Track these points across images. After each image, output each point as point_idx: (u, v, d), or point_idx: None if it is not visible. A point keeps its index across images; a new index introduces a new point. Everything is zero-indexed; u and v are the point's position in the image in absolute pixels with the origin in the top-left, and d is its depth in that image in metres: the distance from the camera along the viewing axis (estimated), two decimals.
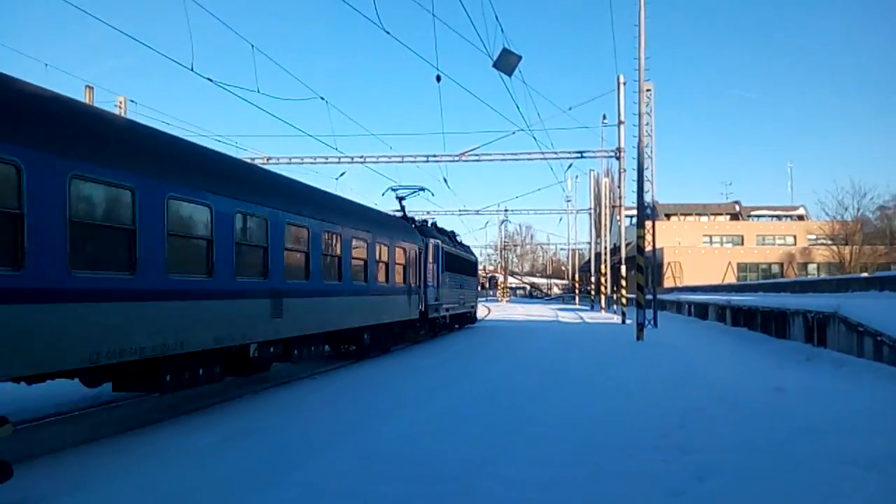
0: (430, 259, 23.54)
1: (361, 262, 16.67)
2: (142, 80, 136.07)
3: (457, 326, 31.94)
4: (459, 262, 29.58)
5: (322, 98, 25.76)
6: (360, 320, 16.78)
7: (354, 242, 16.00)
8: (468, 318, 34.14)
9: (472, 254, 37.03)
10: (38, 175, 7.02)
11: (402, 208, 26.12)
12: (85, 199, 7.80)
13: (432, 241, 24.00)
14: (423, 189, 26.47)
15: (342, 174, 42.55)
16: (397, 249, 19.81)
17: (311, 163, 38.38)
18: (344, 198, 18.46)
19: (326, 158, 37.56)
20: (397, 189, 26.20)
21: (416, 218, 26.72)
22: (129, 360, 8.40)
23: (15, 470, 6.39)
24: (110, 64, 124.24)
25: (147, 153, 9.22)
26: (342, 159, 37.38)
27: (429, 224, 26.86)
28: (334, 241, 14.90)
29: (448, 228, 31.22)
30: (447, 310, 26.82)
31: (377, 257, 17.81)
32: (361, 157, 37.91)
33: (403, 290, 20.55)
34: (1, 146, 6.65)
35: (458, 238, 32.69)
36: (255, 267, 11.49)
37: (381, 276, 18.37)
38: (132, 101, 32.97)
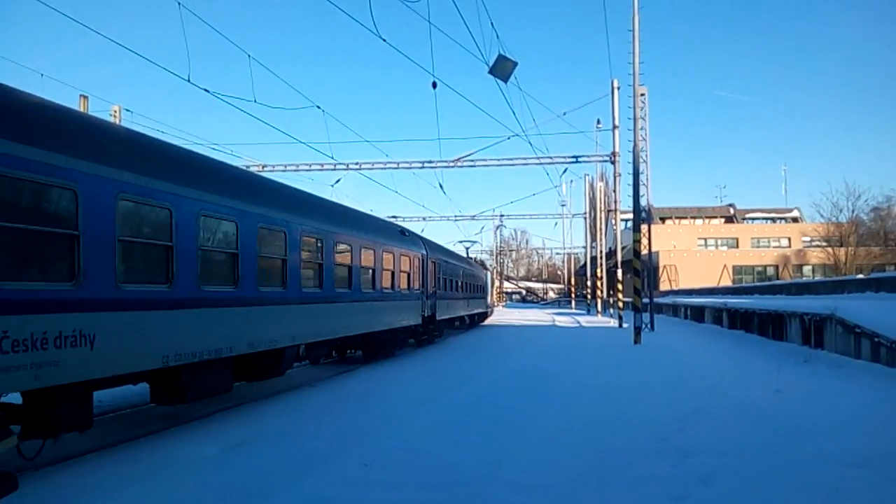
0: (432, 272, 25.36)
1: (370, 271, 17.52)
2: (137, 89, 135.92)
3: (457, 324, 36.37)
4: (462, 274, 33.10)
5: (318, 106, 25.83)
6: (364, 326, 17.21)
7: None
8: (477, 319, 41.15)
9: (485, 268, 44.64)
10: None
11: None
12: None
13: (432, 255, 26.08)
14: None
15: (338, 181, 42.52)
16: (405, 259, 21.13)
17: (307, 170, 38.39)
18: (377, 218, 22.73)
19: (322, 165, 37.59)
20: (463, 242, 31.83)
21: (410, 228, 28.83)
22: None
23: (19, 481, 6.39)
24: (105, 72, 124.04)
25: (211, 179, 10.45)
26: (337, 166, 37.39)
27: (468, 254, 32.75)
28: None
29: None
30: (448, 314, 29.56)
31: (392, 267, 19.44)
32: (357, 163, 37.93)
33: (409, 296, 21.40)
34: (61, 171, 7.07)
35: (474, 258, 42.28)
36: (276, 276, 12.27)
37: (389, 283, 19.32)
38: (127, 110, 32.93)
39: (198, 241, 9.52)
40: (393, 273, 19.34)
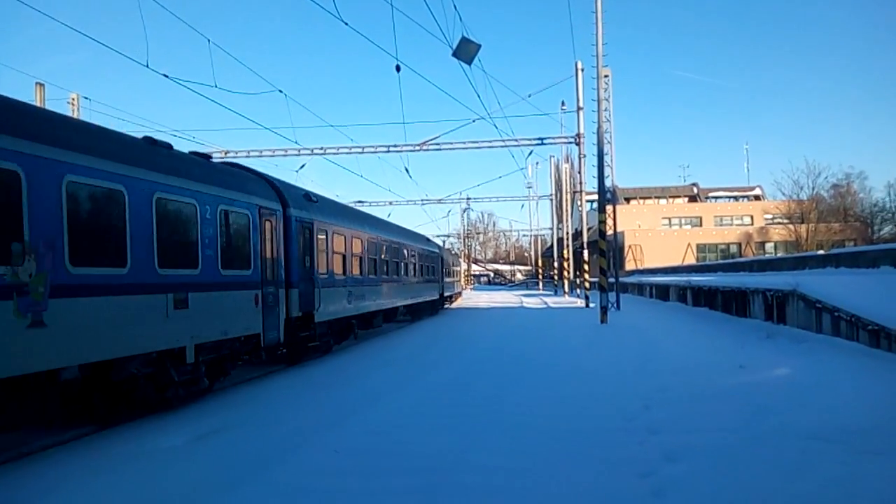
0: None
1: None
2: (95, 77, 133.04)
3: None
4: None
5: (280, 91, 25.59)
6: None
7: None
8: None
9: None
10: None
11: None
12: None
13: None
14: None
15: (302, 166, 42.35)
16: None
17: (270, 156, 38.00)
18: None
19: (286, 151, 37.27)
20: None
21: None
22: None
23: None
24: (62, 60, 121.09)
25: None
26: (302, 151, 37.11)
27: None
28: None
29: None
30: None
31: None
32: (321, 148, 37.66)
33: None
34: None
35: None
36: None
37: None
38: (85, 97, 32.34)
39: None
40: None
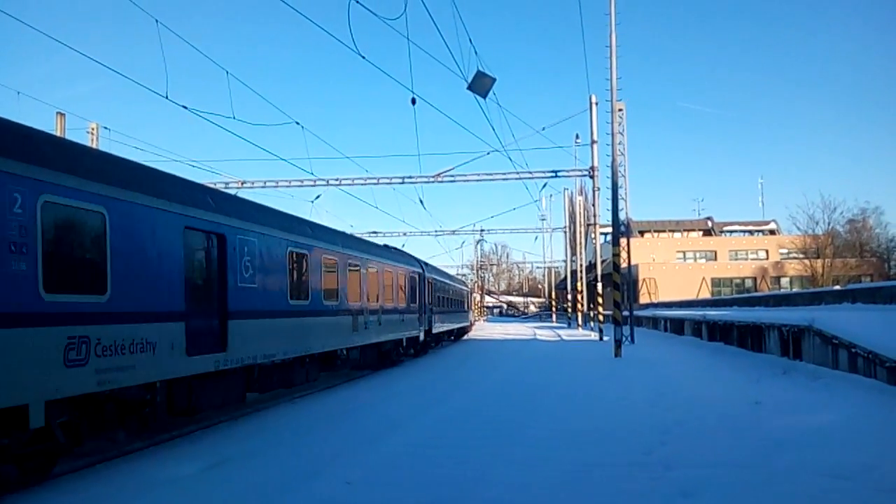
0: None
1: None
2: (114, 106, 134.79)
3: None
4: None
5: (297, 123, 25.82)
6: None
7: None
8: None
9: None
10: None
11: None
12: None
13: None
14: None
15: (317, 197, 42.52)
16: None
17: (287, 186, 38.22)
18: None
19: (301, 182, 37.45)
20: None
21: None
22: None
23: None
24: (82, 89, 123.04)
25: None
26: (317, 182, 37.31)
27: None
28: None
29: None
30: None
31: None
32: (337, 179, 37.87)
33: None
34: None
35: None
36: None
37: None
38: (105, 127, 32.71)
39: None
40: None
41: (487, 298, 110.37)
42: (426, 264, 30.88)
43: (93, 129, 32.80)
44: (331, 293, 16.12)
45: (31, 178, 7.21)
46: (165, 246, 9.64)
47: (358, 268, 18.26)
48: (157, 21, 14.59)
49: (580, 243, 53.92)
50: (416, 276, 26.34)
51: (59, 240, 7.81)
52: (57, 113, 30.58)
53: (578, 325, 52.80)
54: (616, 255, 25.21)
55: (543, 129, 42.18)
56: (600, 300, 43.98)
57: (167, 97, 16.95)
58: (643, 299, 59.01)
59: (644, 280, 62.02)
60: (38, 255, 7.22)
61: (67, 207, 7.81)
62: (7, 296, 6.83)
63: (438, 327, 31.58)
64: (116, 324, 8.48)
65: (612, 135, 25.87)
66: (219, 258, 11.15)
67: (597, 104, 33.43)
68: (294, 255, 13.97)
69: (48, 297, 7.32)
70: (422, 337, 26.82)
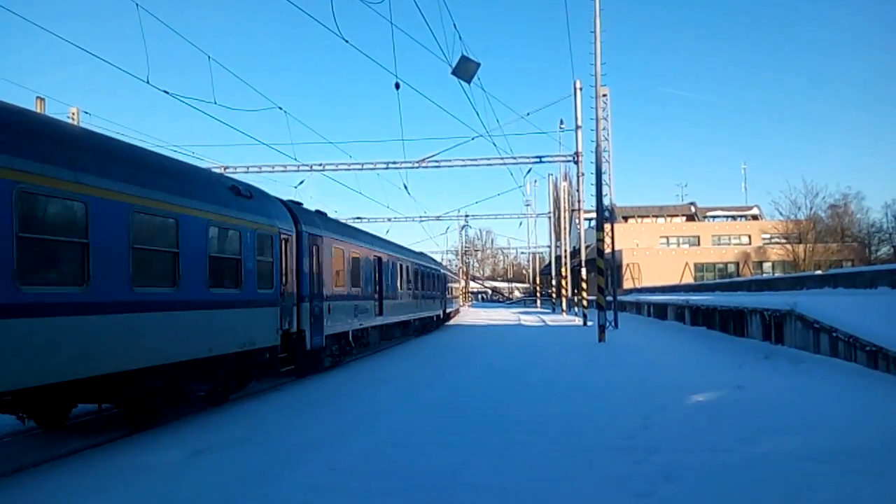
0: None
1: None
2: (95, 91, 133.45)
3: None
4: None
5: (280, 108, 25.65)
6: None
7: None
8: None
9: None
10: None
11: None
12: None
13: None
14: None
15: (301, 182, 42.37)
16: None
17: (270, 171, 38.06)
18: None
19: (285, 167, 37.31)
20: None
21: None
22: None
23: None
24: (62, 74, 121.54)
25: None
26: (301, 168, 37.15)
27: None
28: None
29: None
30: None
31: None
32: (320, 164, 37.70)
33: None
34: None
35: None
36: None
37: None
38: (85, 112, 32.33)
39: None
40: None
41: (472, 284, 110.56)
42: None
43: (73, 113, 32.41)
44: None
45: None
46: None
47: None
48: (137, 5, 14.39)
49: (564, 229, 54.13)
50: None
51: None
52: (37, 98, 30.22)
53: (563, 310, 53.06)
54: (600, 240, 25.27)
55: (528, 114, 42.40)
56: (584, 285, 44.22)
57: (148, 82, 16.76)
58: (627, 284, 59.28)
59: (628, 265, 62.25)
60: None
61: None
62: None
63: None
64: None
65: (597, 120, 25.90)
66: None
67: (581, 89, 33.52)
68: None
69: None
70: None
